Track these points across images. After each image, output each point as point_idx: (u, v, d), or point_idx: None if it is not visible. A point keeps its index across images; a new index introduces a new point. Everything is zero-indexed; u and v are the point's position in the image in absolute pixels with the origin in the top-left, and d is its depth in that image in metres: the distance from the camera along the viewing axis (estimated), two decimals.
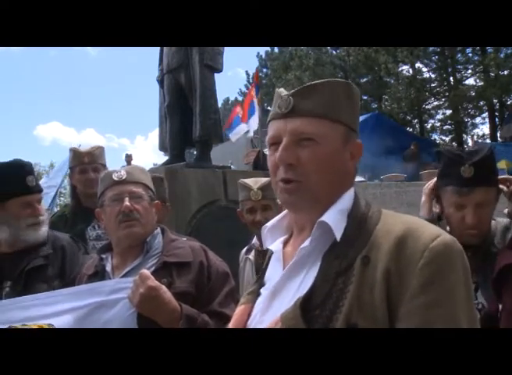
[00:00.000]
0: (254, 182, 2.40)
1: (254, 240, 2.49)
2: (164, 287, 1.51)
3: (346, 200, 0.97)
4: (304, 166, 0.94)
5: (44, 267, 1.88)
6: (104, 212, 1.70)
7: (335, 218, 0.93)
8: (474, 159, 1.61)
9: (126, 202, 1.64)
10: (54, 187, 7.65)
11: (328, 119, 0.95)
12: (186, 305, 1.53)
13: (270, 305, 0.98)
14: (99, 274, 1.69)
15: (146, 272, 1.51)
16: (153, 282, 1.49)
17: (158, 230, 1.76)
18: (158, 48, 4.63)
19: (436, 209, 1.77)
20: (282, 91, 1.01)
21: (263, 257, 1.12)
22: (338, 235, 0.91)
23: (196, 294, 1.60)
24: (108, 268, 1.69)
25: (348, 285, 0.86)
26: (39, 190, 1.99)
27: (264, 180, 2.38)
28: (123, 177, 1.69)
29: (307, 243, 0.94)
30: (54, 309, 1.54)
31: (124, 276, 1.62)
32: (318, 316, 0.86)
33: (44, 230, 1.96)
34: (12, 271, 1.85)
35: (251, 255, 2.43)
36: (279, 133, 0.97)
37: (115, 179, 1.69)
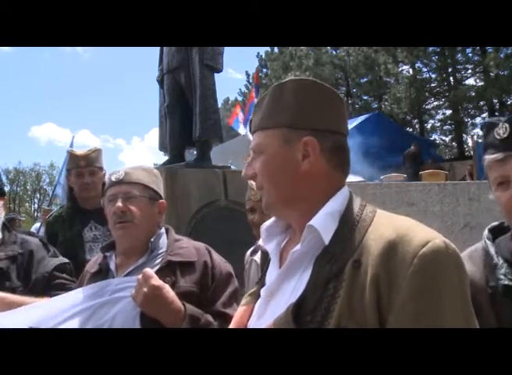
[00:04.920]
0: None
1: (260, 241, 2.46)
2: (167, 287, 1.50)
3: (336, 202, 0.95)
4: (259, 176, 1.01)
5: (7, 269, 1.85)
6: (106, 212, 1.73)
7: (323, 221, 0.91)
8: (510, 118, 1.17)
9: (119, 203, 1.65)
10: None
11: (267, 128, 1.01)
12: (190, 305, 1.52)
13: (266, 308, 0.98)
14: (103, 272, 1.69)
15: (149, 271, 1.51)
16: (156, 281, 1.48)
17: (163, 229, 1.76)
18: (158, 48, 4.63)
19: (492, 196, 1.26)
20: None
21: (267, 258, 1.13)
22: (326, 239, 0.90)
23: (199, 294, 1.59)
24: (112, 266, 1.69)
25: (339, 290, 0.84)
26: None
27: None
28: (120, 178, 1.70)
29: (298, 246, 0.93)
30: (60, 316, 1.53)
31: (128, 275, 1.63)
32: (310, 321, 0.85)
33: None
34: None
35: (257, 257, 2.38)
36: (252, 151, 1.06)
37: (113, 179, 1.71)
